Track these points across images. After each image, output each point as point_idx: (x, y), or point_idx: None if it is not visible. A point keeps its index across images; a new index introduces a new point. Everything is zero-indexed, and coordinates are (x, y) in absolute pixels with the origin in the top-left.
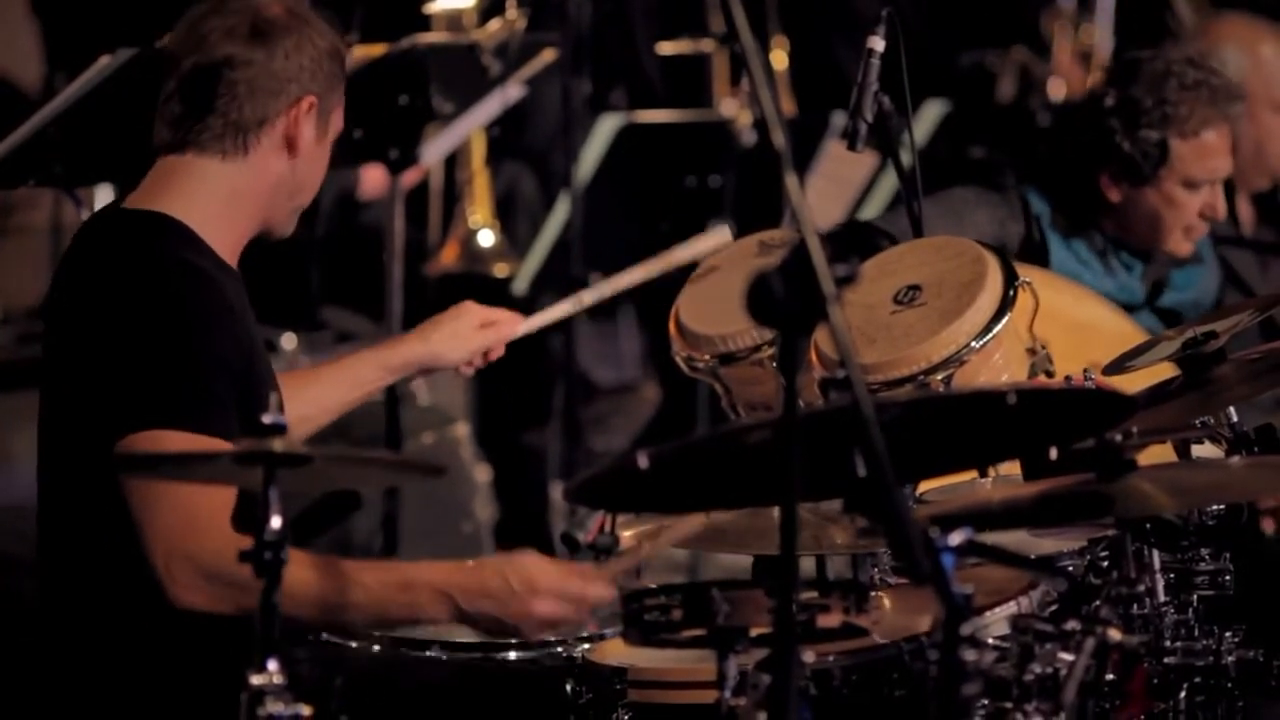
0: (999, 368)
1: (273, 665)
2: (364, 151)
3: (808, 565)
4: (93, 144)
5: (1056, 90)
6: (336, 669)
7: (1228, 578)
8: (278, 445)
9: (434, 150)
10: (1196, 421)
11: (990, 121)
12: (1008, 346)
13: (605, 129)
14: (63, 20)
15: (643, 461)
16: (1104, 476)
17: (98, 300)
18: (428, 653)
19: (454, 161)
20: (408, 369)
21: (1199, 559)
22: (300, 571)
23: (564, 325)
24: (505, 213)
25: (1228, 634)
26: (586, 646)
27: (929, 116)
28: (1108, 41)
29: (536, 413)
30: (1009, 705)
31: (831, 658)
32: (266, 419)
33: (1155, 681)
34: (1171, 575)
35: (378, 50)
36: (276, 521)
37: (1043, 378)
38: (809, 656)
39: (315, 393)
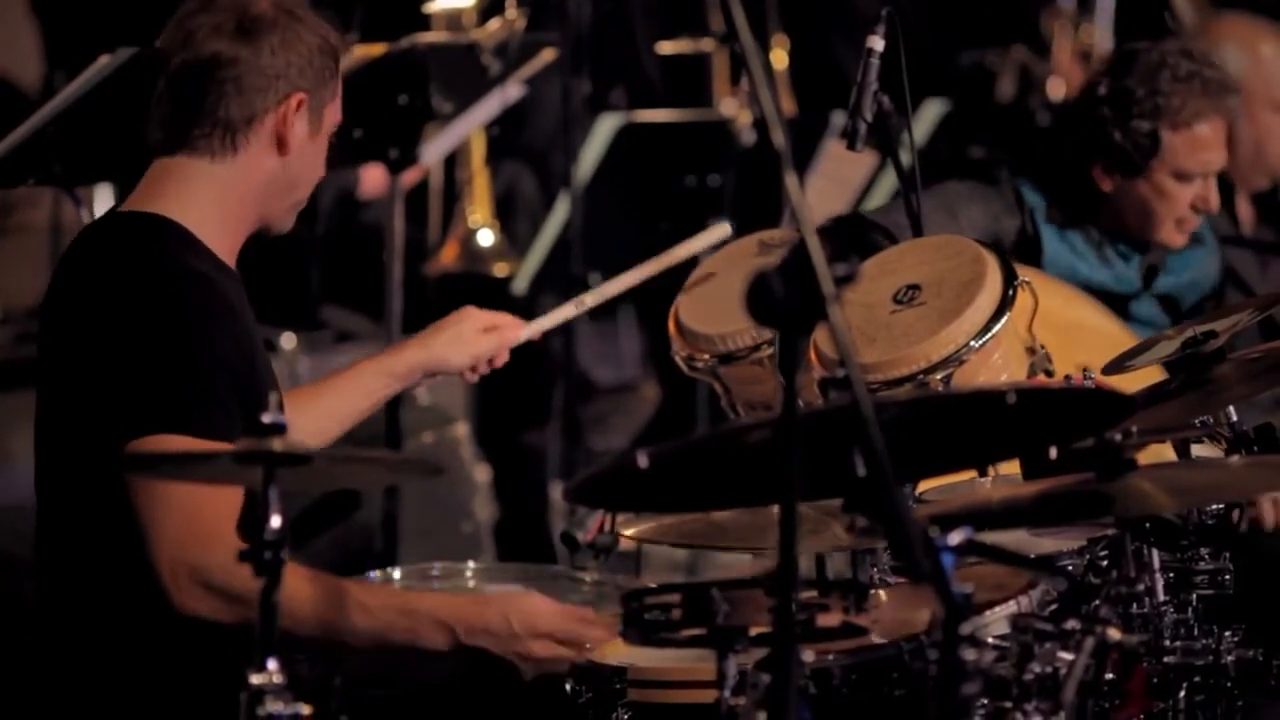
0: (998, 367)
1: (272, 665)
2: (364, 151)
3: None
4: (92, 143)
5: (1056, 90)
6: (336, 669)
7: (1227, 577)
8: (277, 445)
9: (434, 150)
10: (1196, 421)
11: (990, 121)
12: (1007, 346)
13: (605, 128)
14: (62, 19)
15: (642, 461)
16: (1103, 476)
17: (97, 304)
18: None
19: (454, 161)
20: (412, 375)
21: (1198, 558)
22: (301, 588)
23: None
24: (505, 212)
25: (1227, 633)
26: (586, 646)
27: (929, 116)
28: (1107, 41)
29: (536, 412)
30: (1008, 704)
31: (831, 657)
32: (266, 418)
33: (1155, 681)
34: (1171, 575)
35: (377, 50)
36: (276, 521)
37: (1042, 377)
38: (808, 656)
39: (326, 404)
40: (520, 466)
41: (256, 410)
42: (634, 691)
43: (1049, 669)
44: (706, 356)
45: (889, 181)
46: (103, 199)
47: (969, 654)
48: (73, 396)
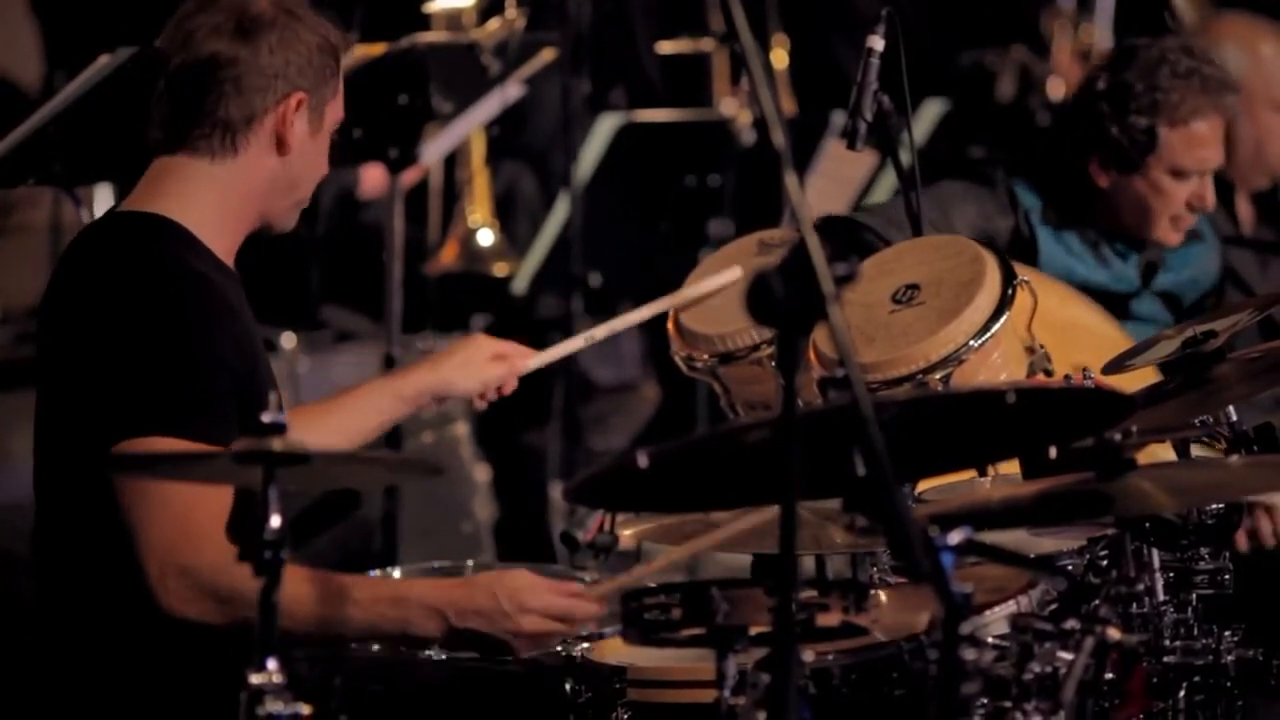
0: (997, 367)
1: (272, 664)
2: (364, 151)
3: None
4: (92, 143)
5: (1056, 90)
6: (336, 668)
7: (1227, 577)
8: (277, 444)
9: (433, 149)
10: (1196, 420)
11: (989, 121)
12: (1006, 345)
13: (605, 128)
14: (62, 19)
15: (642, 461)
16: (1103, 475)
17: (96, 305)
18: (427, 652)
19: (453, 161)
20: (420, 398)
21: (1198, 558)
22: (294, 586)
23: (563, 325)
24: (505, 212)
25: (1227, 633)
26: (586, 645)
27: (928, 116)
28: (1107, 41)
29: (536, 412)
30: (1008, 704)
31: (831, 657)
32: (266, 418)
33: (1154, 680)
34: (1171, 574)
35: (377, 49)
36: (276, 520)
37: (1041, 376)
38: (808, 655)
39: (335, 422)
40: (520, 466)
41: (256, 410)
42: (633, 691)
43: (1049, 669)
44: (706, 356)
45: (889, 181)
46: (102, 199)
47: (969, 654)
48: (71, 397)
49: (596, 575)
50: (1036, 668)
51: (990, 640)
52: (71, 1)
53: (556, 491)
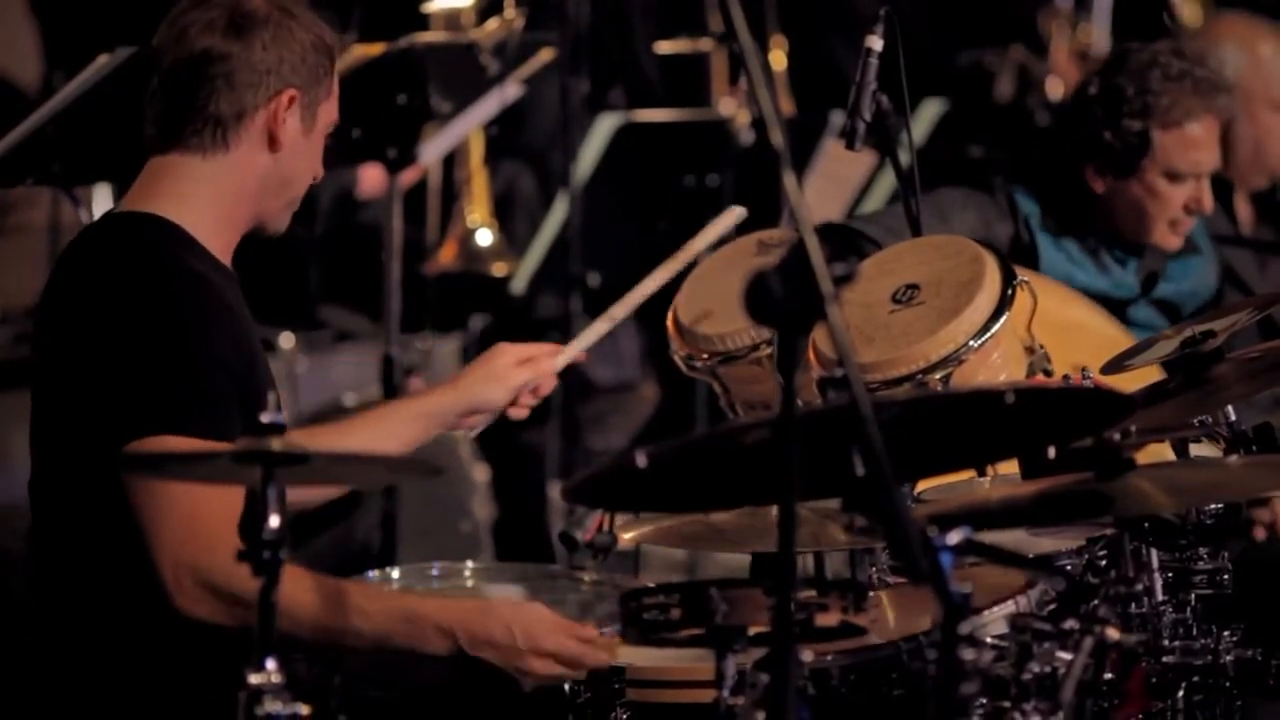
0: (997, 367)
1: (271, 664)
2: (362, 151)
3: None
4: (91, 143)
5: (1054, 89)
6: (335, 668)
7: (1226, 577)
8: (276, 444)
9: (432, 149)
10: (1195, 420)
11: (988, 121)
12: (1006, 345)
13: (604, 128)
14: (61, 19)
15: (641, 461)
16: (1102, 475)
17: (94, 306)
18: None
19: (452, 161)
20: (445, 417)
21: (1197, 558)
22: (302, 594)
23: (562, 325)
24: (503, 212)
25: (1226, 633)
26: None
27: (927, 115)
28: (1105, 41)
29: (535, 411)
30: (1007, 704)
31: (830, 657)
32: (265, 418)
33: (1153, 680)
34: (1170, 574)
35: (376, 49)
36: (275, 520)
37: (1041, 377)
38: (807, 656)
39: (352, 443)
40: (519, 466)
41: (255, 410)
42: (633, 691)
43: (1048, 669)
44: (705, 356)
45: (887, 181)
46: (101, 199)
47: (967, 654)
48: (70, 398)
49: (596, 576)
50: (1035, 668)
51: (989, 640)
52: (70, 1)
53: (555, 491)
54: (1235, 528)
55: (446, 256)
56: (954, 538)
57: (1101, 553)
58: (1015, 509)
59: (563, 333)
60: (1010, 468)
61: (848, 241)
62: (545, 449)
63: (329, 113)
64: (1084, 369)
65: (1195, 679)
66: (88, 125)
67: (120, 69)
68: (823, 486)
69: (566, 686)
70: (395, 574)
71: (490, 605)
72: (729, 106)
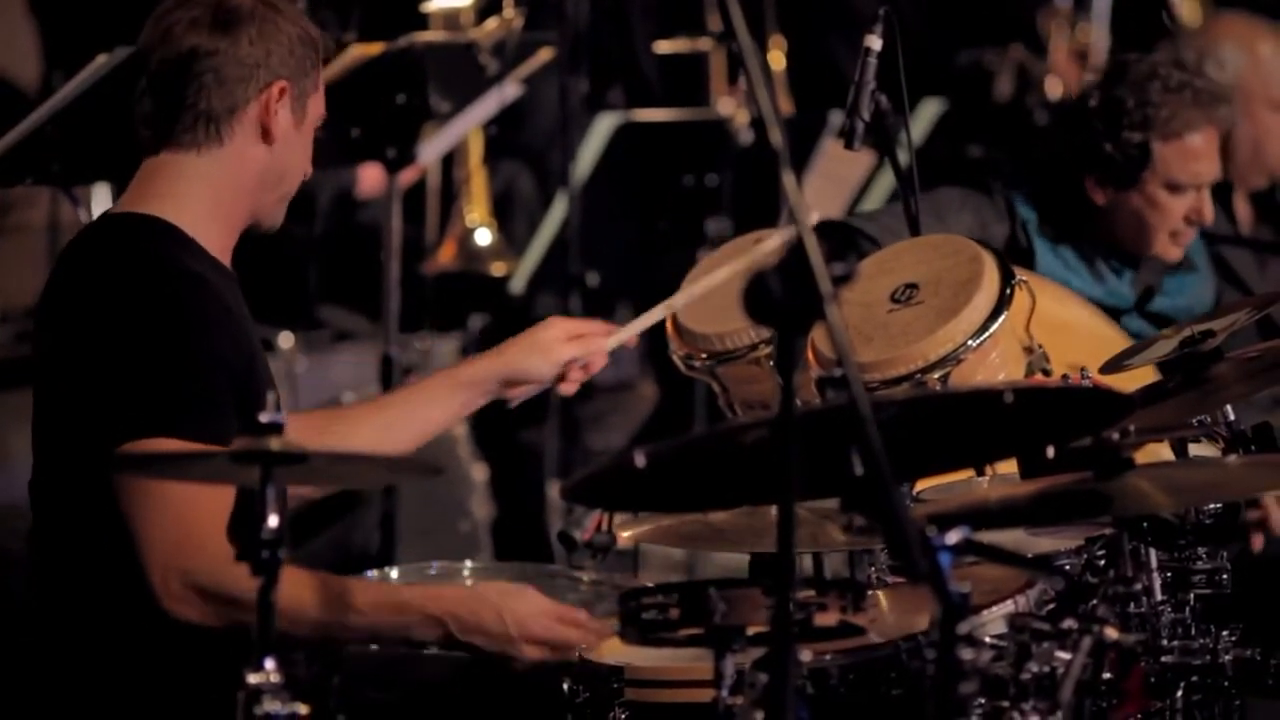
0: (996, 366)
1: (270, 664)
2: (361, 150)
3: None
4: (90, 142)
5: (1053, 89)
6: (334, 668)
7: (1225, 576)
8: (274, 444)
9: (431, 149)
10: (1194, 420)
11: (987, 120)
12: (1005, 345)
13: (603, 128)
14: (60, 19)
15: (640, 460)
16: (1101, 475)
17: (93, 308)
18: (426, 651)
19: (451, 160)
20: (485, 385)
21: (1196, 558)
22: (295, 590)
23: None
24: (503, 211)
25: (1225, 633)
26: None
27: (926, 115)
28: (1104, 40)
29: (533, 411)
30: (1006, 704)
31: (829, 656)
32: (264, 418)
33: (1152, 680)
34: (1168, 574)
35: (375, 49)
36: (274, 520)
37: (1039, 376)
38: (806, 655)
39: (384, 421)
40: (518, 465)
41: (254, 410)
42: (631, 691)
43: (1046, 668)
44: (704, 355)
45: (886, 181)
46: (100, 198)
47: (966, 653)
48: (69, 399)
49: (595, 575)
50: (1034, 667)
51: (988, 640)
52: (70, 1)
53: (554, 490)
54: (1234, 529)
55: (445, 256)
56: (953, 537)
57: (1100, 552)
58: (1014, 509)
59: None
60: (1009, 467)
61: (846, 240)
62: (544, 448)
63: (317, 106)
64: (1083, 369)
65: (1194, 679)
66: (87, 125)
67: (119, 69)
68: (821, 486)
69: (565, 686)
70: (394, 574)
71: (479, 592)
72: (728, 106)
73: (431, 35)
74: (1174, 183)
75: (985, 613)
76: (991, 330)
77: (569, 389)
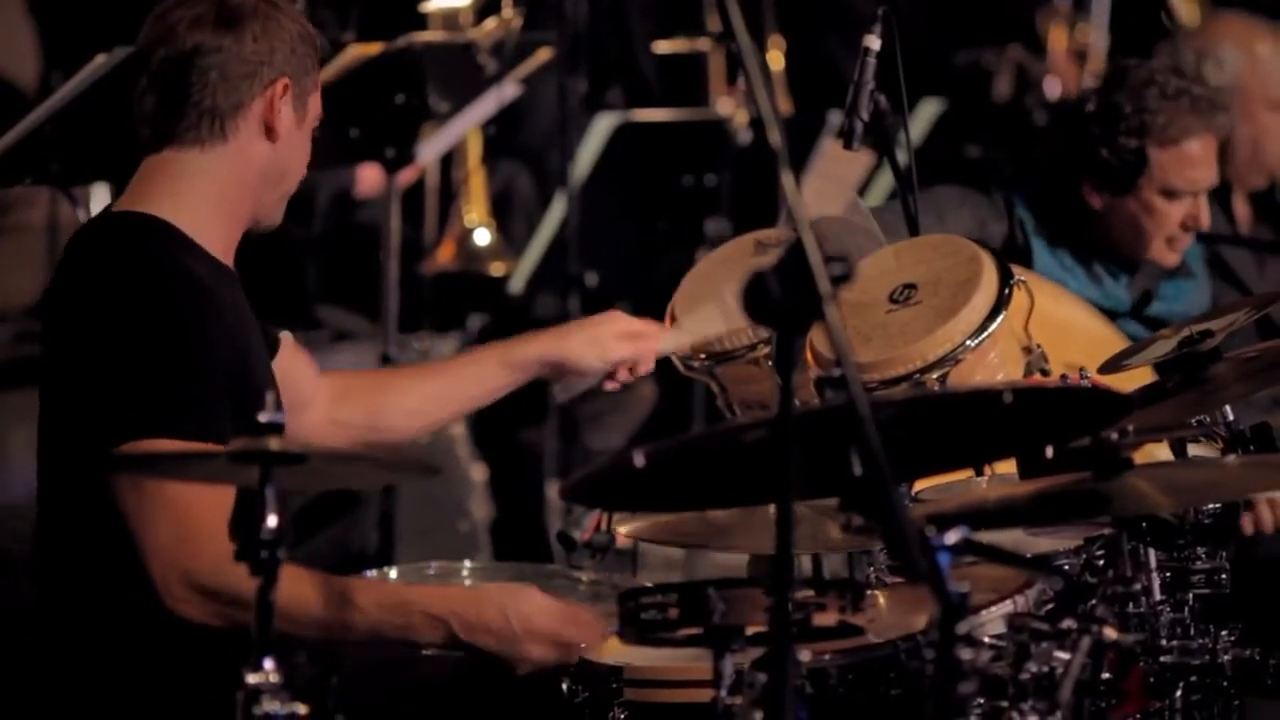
0: (994, 366)
1: (269, 664)
2: (360, 150)
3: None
4: (89, 142)
5: (1052, 89)
6: (333, 667)
7: (1224, 576)
8: (273, 444)
9: (430, 149)
10: (1192, 420)
11: (986, 120)
12: (1003, 345)
13: (601, 128)
14: (59, 19)
15: (639, 460)
16: (1100, 475)
17: (92, 309)
18: (425, 651)
19: (450, 160)
20: (531, 367)
21: (1195, 558)
22: (297, 589)
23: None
24: (501, 211)
25: (1224, 633)
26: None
27: (925, 115)
28: (1103, 40)
29: (532, 411)
30: (1005, 704)
31: (828, 656)
32: (263, 417)
33: (1151, 680)
34: (1167, 574)
35: (374, 49)
36: (273, 520)
37: (1038, 376)
38: (805, 655)
39: (433, 388)
40: (517, 465)
41: (252, 410)
42: (630, 691)
43: (1045, 668)
44: (703, 355)
45: (885, 181)
46: (99, 198)
47: (965, 653)
48: (70, 399)
49: (594, 575)
50: (1033, 667)
51: (987, 640)
52: (68, 1)
53: (553, 491)
54: (1233, 529)
55: (444, 256)
56: (952, 537)
57: (1099, 552)
58: (1013, 508)
59: None
60: (1008, 467)
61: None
62: (543, 448)
63: (316, 104)
64: (1081, 369)
65: (1193, 678)
66: (86, 125)
67: (118, 69)
68: (820, 486)
69: (564, 686)
70: (393, 574)
71: (482, 591)
72: (727, 106)
73: (430, 35)
74: (1170, 189)
75: (984, 613)
76: (990, 330)
77: (612, 386)
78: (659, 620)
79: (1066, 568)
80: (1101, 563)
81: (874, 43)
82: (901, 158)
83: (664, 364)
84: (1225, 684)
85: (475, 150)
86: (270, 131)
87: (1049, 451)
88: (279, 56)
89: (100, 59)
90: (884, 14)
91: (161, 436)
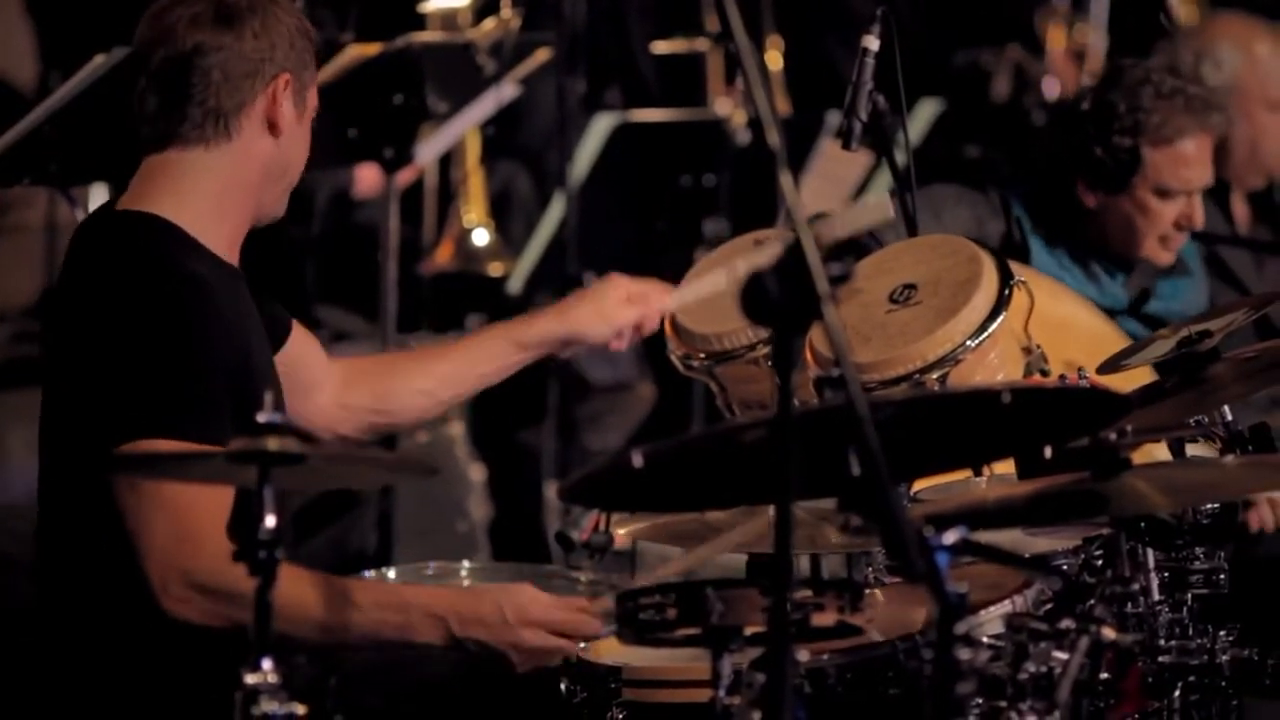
0: (994, 367)
1: (267, 664)
2: (359, 150)
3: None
4: (88, 142)
5: (1051, 89)
6: (331, 668)
7: (1222, 577)
8: (272, 444)
9: (429, 149)
10: (1191, 420)
11: (985, 120)
12: (1003, 345)
13: (600, 128)
14: (58, 19)
15: (637, 460)
16: (1098, 475)
17: (93, 308)
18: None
19: (449, 160)
20: (543, 346)
21: (1193, 558)
22: (296, 590)
23: None
24: (500, 212)
25: (1222, 633)
26: (582, 645)
27: (924, 115)
28: (1101, 40)
29: (531, 411)
30: (1003, 704)
31: (826, 656)
32: (262, 417)
33: (1150, 680)
34: (1166, 574)
35: (373, 49)
36: (271, 520)
37: (1038, 377)
38: (803, 655)
39: (444, 369)
40: (515, 466)
41: (253, 410)
42: (629, 691)
43: (1044, 668)
44: (702, 355)
45: (884, 181)
46: (98, 198)
47: (964, 653)
48: (70, 399)
49: (593, 575)
50: (1031, 667)
51: (985, 640)
52: (67, 1)
53: (552, 491)
54: (1232, 529)
55: (443, 256)
56: (950, 537)
57: (1098, 552)
58: (1011, 509)
59: None
60: (1006, 467)
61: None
62: (541, 449)
63: (314, 97)
64: (1080, 369)
65: (1191, 679)
66: (84, 125)
67: (117, 69)
68: (819, 486)
69: (563, 686)
70: (391, 574)
71: (478, 588)
72: (725, 106)
73: (429, 35)
74: (1164, 188)
75: (983, 613)
76: (990, 330)
77: (619, 345)
78: (658, 620)
79: (1065, 568)
80: (1100, 563)
81: (872, 43)
82: (900, 158)
83: (664, 364)
84: (1223, 684)
85: (474, 150)
86: (273, 127)
87: (1047, 452)
88: (279, 52)
89: (99, 59)
90: (882, 14)
91: (161, 437)
